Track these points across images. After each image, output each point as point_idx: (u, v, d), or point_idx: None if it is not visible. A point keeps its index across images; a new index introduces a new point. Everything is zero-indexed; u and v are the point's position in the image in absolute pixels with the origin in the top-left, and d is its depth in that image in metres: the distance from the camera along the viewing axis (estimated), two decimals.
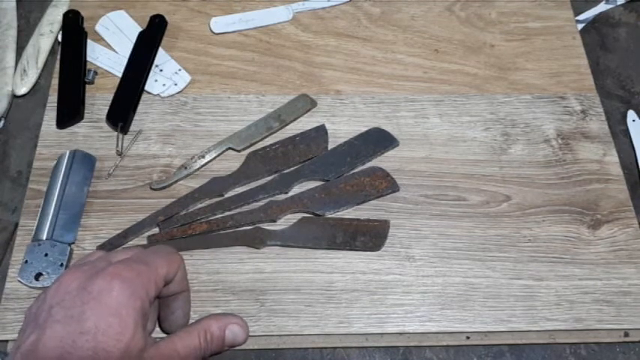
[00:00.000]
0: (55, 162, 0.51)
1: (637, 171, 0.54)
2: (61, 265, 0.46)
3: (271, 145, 0.53)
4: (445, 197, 0.51)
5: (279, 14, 0.61)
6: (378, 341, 0.45)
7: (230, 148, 0.53)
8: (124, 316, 0.34)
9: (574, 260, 0.48)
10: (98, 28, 0.60)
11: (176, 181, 0.51)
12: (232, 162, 0.52)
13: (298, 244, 0.48)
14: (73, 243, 0.47)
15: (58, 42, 0.59)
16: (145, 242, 0.48)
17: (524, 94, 0.57)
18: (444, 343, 0.45)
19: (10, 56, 0.58)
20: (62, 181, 0.49)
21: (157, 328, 0.43)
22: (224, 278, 0.47)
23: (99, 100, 0.55)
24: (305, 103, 0.55)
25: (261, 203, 0.50)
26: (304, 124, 0.55)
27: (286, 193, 0.51)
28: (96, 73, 0.57)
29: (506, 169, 0.53)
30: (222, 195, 0.50)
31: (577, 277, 0.47)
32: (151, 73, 0.56)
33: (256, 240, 0.48)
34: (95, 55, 0.58)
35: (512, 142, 0.54)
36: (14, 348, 0.35)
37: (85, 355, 0.32)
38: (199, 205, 0.50)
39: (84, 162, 0.51)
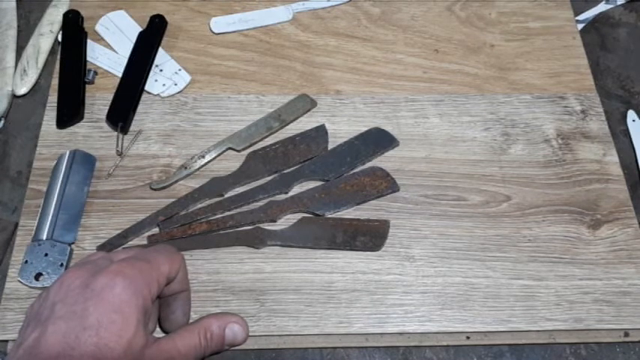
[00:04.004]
0: (55, 162, 0.51)
1: (637, 171, 0.54)
2: (61, 265, 0.46)
3: (271, 145, 0.53)
4: (445, 197, 0.51)
5: (279, 14, 0.61)
6: (378, 341, 0.45)
7: (230, 148, 0.53)
8: (126, 313, 0.34)
9: (574, 260, 0.48)
10: (98, 28, 0.60)
11: (176, 181, 0.51)
12: (232, 162, 0.52)
13: (298, 244, 0.48)
14: (73, 243, 0.47)
15: (58, 42, 0.59)
16: (145, 242, 0.48)
17: (524, 94, 0.57)
18: (444, 343, 0.45)
19: (10, 56, 0.58)
20: (62, 181, 0.49)
21: (157, 328, 0.43)
22: (224, 278, 0.47)
23: (99, 100, 0.55)
24: (305, 103, 0.55)
25: (261, 203, 0.50)
26: (304, 124, 0.55)
27: (286, 193, 0.51)
28: (96, 73, 0.57)
29: (506, 169, 0.53)
30: (222, 195, 0.50)
31: (577, 277, 0.47)
32: (151, 73, 0.56)
33: (256, 240, 0.48)
34: (95, 55, 0.58)
35: (512, 142, 0.54)
36: (16, 345, 0.35)
37: (88, 350, 0.32)
38: (199, 205, 0.50)
39: (84, 162, 0.51)
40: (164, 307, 0.42)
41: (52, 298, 0.35)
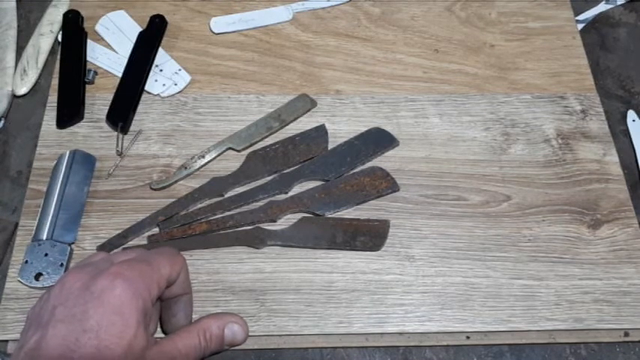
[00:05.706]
0: (55, 162, 0.51)
1: (637, 171, 0.54)
2: (61, 265, 0.46)
3: (271, 145, 0.53)
4: (445, 197, 0.51)
5: (279, 14, 0.61)
6: (378, 341, 0.45)
7: (230, 148, 0.53)
8: (126, 315, 0.34)
9: (574, 260, 0.48)
10: (98, 28, 0.60)
11: (176, 181, 0.51)
12: (232, 162, 0.52)
13: (298, 244, 0.48)
14: (73, 243, 0.47)
15: (58, 42, 0.59)
16: (145, 242, 0.48)
17: (524, 93, 0.57)
18: (444, 343, 0.45)
19: (10, 56, 0.58)
20: (62, 181, 0.49)
21: (158, 329, 0.43)
22: (224, 278, 0.47)
23: (99, 100, 0.55)
24: (305, 103, 0.55)
25: (261, 203, 0.50)
26: (304, 124, 0.55)
27: (286, 193, 0.51)
28: (96, 73, 0.57)
29: (506, 169, 0.53)
30: (222, 195, 0.50)
31: (577, 277, 0.47)
32: (151, 73, 0.56)
33: (256, 240, 0.48)
34: (95, 55, 0.58)
35: (512, 142, 0.54)
36: (17, 348, 0.35)
37: (88, 352, 0.32)
38: (199, 205, 0.50)
39: (84, 162, 0.51)
40: (165, 309, 0.42)
41: (52, 300, 0.35)
